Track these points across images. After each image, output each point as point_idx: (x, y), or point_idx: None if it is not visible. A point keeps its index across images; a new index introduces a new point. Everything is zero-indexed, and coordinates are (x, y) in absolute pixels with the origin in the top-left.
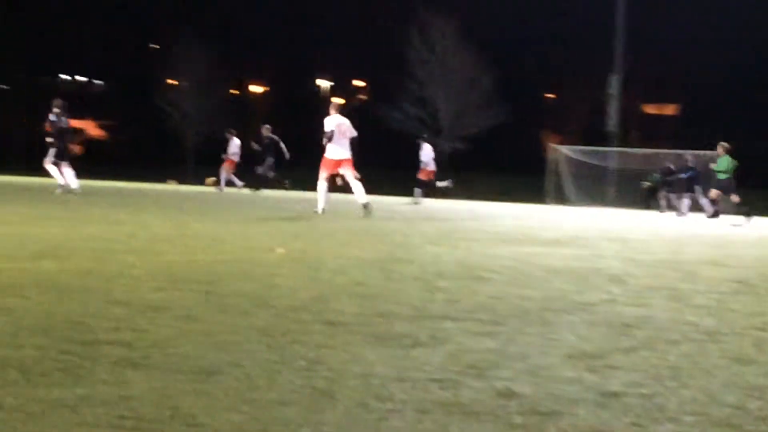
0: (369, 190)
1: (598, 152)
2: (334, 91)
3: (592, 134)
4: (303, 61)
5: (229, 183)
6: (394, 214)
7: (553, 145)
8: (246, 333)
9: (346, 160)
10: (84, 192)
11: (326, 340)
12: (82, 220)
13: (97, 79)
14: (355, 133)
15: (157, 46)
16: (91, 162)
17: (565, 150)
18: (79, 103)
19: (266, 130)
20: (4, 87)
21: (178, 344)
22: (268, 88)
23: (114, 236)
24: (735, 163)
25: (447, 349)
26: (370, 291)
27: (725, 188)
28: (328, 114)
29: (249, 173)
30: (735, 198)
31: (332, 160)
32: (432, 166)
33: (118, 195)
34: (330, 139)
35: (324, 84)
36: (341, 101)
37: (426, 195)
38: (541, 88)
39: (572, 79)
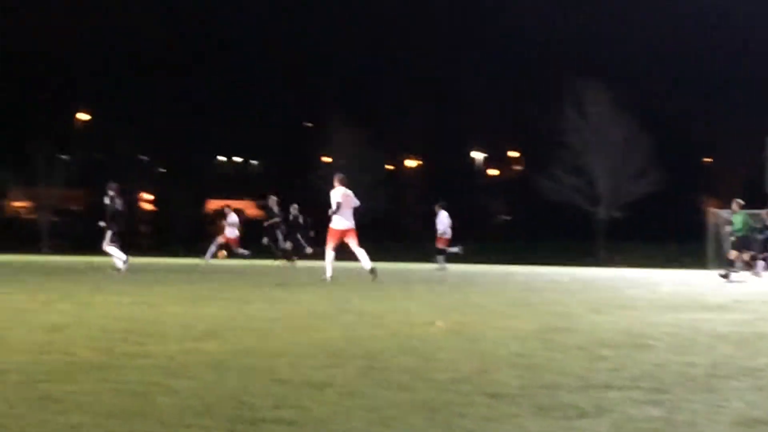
0: (526, 260)
1: (758, 215)
2: (488, 163)
3: (751, 197)
4: (457, 133)
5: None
6: (552, 284)
7: (712, 210)
8: (408, 407)
9: (350, 229)
10: (243, 272)
11: (489, 413)
12: (242, 300)
13: (253, 159)
14: (357, 203)
15: (311, 125)
16: (251, 242)
17: (726, 214)
18: (236, 184)
19: (272, 202)
20: (163, 170)
21: (341, 421)
22: (422, 162)
23: (274, 314)
24: (749, 220)
25: (612, 419)
26: (532, 362)
27: (742, 246)
28: (333, 186)
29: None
30: (745, 255)
31: (338, 230)
32: (449, 234)
33: (278, 274)
34: (337, 212)
35: (478, 156)
36: (341, 175)
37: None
38: (697, 153)
39: (728, 142)
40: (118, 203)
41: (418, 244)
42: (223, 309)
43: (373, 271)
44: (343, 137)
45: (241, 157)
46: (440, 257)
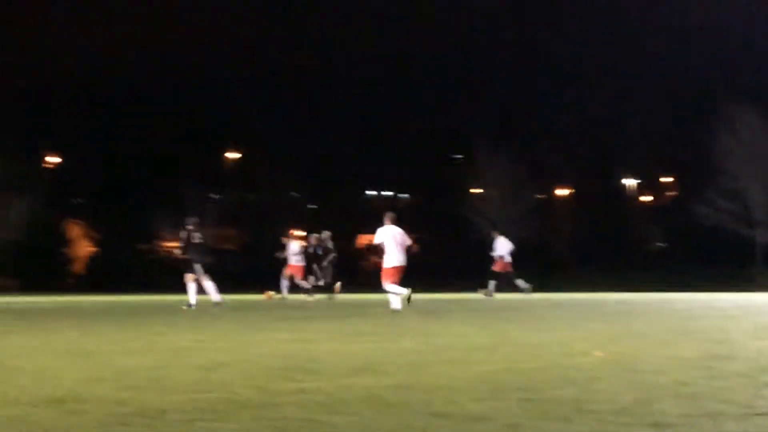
0: (683, 287)
1: None
2: (640, 189)
3: None
4: (608, 160)
5: (288, 288)
6: (711, 310)
7: None
8: None
9: (402, 267)
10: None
11: None
12: (396, 334)
13: (402, 193)
14: (409, 242)
15: (460, 156)
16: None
17: None
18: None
19: (326, 235)
20: (314, 206)
21: None
22: (573, 190)
23: (430, 348)
24: None
25: None
26: (694, 390)
27: None
28: (382, 224)
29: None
30: None
31: (392, 268)
32: (508, 258)
33: (431, 307)
34: (378, 252)
35: (630, 182)
36: (392, 213)
37: (498, 288)
38: None
39: None
40: (197, 236)
41: (572, 273)
42: (379, 343)
43: (409, 299)
44: (492, 168)
45: (390, 191)
46: (492, 283)
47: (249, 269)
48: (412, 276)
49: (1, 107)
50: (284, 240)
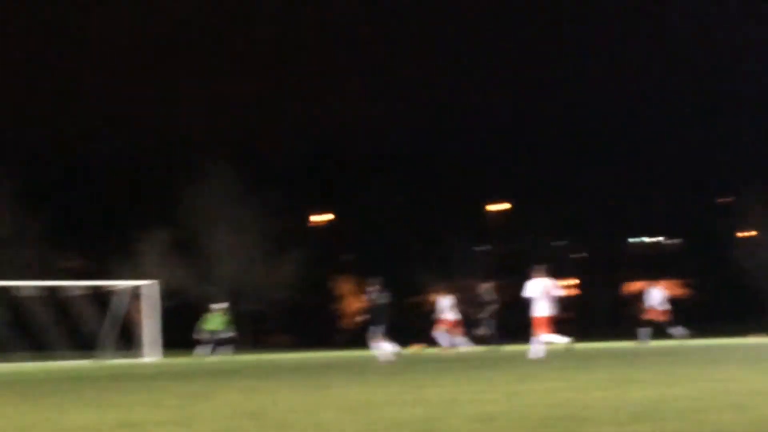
0: None
1: None
2: None
3: None
4: None
5: (451, 344)
6: None
7: None
8: None
9: (552, 316)
10: (665, 353)
11: None
12: (669, 381)
13: (671, 238)
14: (561, 292)
15: (726, 200)
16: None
17: None
18: (654, 264)
19: (484, 288)
20: (584, 255)
21: None
22: None
23: (706, 393)
24: None
25: None
26: None
27: None
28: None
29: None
30: None
31: (543, 317)
32: (659, 308)
33: (702, 353)
34: (529, 304)
35: None
36: (541, 266)
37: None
38: None
39: None
40: (382, 296)
41: None
42: (652, 390)
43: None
44: (762, 211)
45: (658, 236)
46: (643, 332)
47: (511, 321)
48: (680, 321)
49: (272, 167)
50: (436, 296)
